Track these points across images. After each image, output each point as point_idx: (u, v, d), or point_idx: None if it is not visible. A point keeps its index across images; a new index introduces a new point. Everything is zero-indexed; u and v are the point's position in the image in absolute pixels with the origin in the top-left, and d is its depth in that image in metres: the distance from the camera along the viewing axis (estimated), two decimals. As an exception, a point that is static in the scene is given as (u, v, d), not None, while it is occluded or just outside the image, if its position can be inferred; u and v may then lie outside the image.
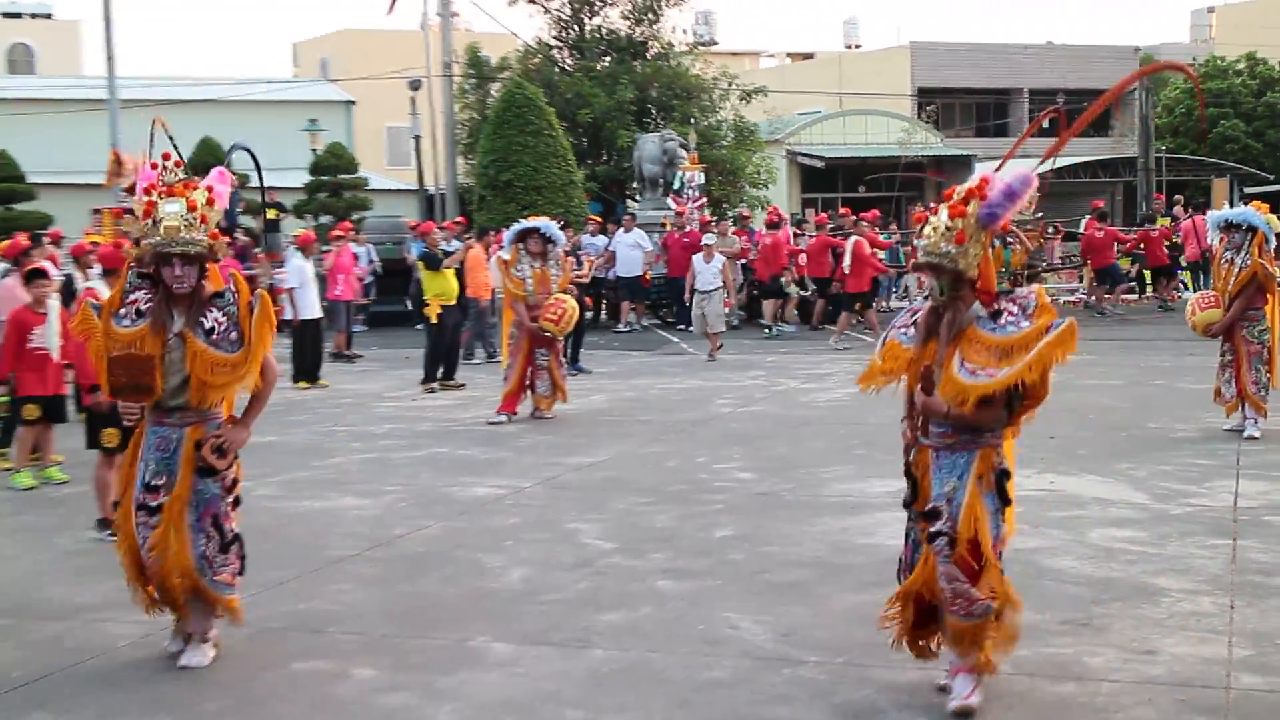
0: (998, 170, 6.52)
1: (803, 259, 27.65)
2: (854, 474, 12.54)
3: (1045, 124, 10.95)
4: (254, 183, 10.36)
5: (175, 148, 8.09)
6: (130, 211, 22.26)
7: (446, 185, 35.77)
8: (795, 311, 28.54)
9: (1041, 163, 7.05)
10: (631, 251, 27.91)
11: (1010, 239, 20.95)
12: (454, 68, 36.94)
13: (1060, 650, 7.41)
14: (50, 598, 9.18)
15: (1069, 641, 7.55)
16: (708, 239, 24.60)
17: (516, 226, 16.93)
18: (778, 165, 42.40)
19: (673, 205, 30.02)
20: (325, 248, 24.75)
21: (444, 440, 15.16)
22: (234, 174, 25.22)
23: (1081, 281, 32.28)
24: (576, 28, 38.70)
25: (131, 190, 25.54)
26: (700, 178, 30.80)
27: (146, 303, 7.23)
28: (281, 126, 42.98)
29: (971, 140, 52.74)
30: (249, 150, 11.68)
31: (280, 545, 10.33)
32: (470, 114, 38.22)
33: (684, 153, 30.74)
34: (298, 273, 20.70)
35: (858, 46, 65.28)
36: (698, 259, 23.61)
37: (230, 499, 7.45)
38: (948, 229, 6.40)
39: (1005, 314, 6.40)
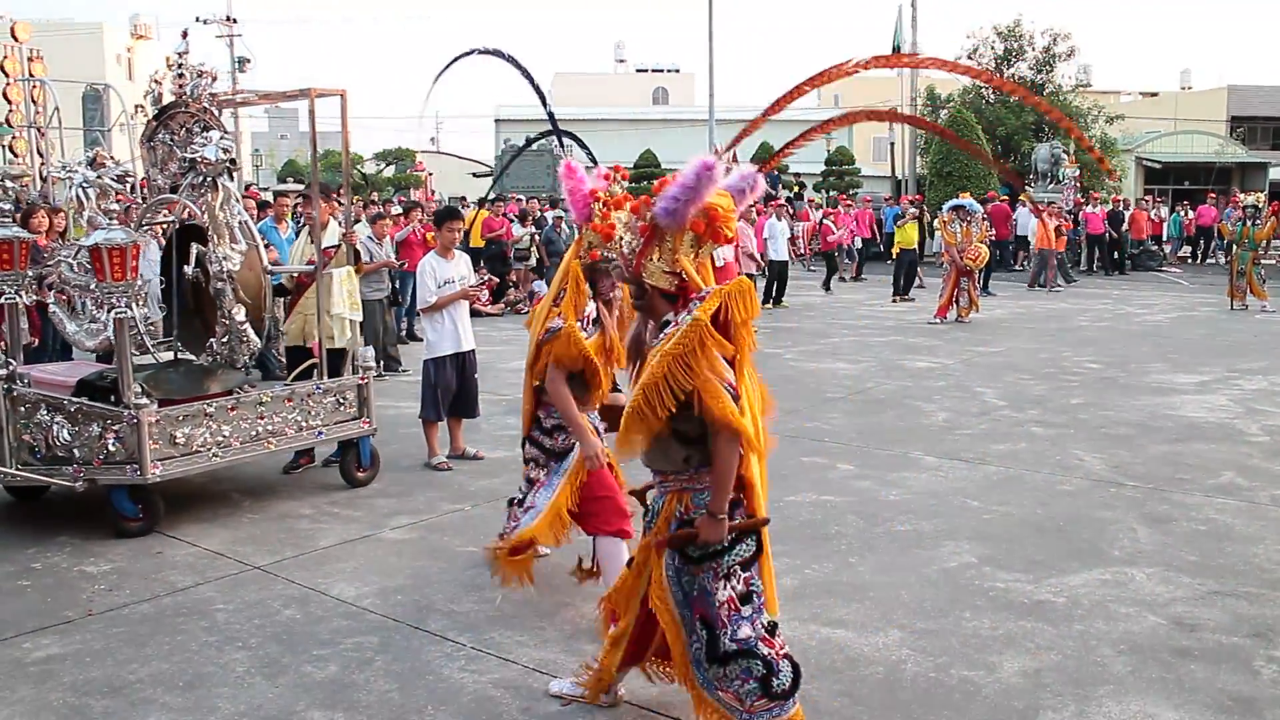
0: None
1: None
2: (1167, 369, 11.57)
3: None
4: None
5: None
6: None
7: (909, 174, 34.91)
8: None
9: (736, 141, 3.52)
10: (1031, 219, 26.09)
11: (1258, 216, 17.58)
12: (917, 100, 35.96)
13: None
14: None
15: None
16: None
17: (951, 202, 17.06)
18: (1129, 166, 39.41)
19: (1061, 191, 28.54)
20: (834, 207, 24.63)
21: (900, 332, 14.93)
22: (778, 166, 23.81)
23: None
24: (998, 75, 37.18)
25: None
26: (1075, 172, 29.19)
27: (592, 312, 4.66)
28: (808, 136, 42.95)
29: (1270, 152, 46.10)
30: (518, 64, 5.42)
31: (797, 388, 10.55)
32: (926, 129, 37.37)
33: (1065, 156, 29.29)
34: (770, 228, 20.34)
35: (1189, 88, 58.06)
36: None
37: None
38: (625, 225, 3.51)
39: (674, 323, 3.26)
